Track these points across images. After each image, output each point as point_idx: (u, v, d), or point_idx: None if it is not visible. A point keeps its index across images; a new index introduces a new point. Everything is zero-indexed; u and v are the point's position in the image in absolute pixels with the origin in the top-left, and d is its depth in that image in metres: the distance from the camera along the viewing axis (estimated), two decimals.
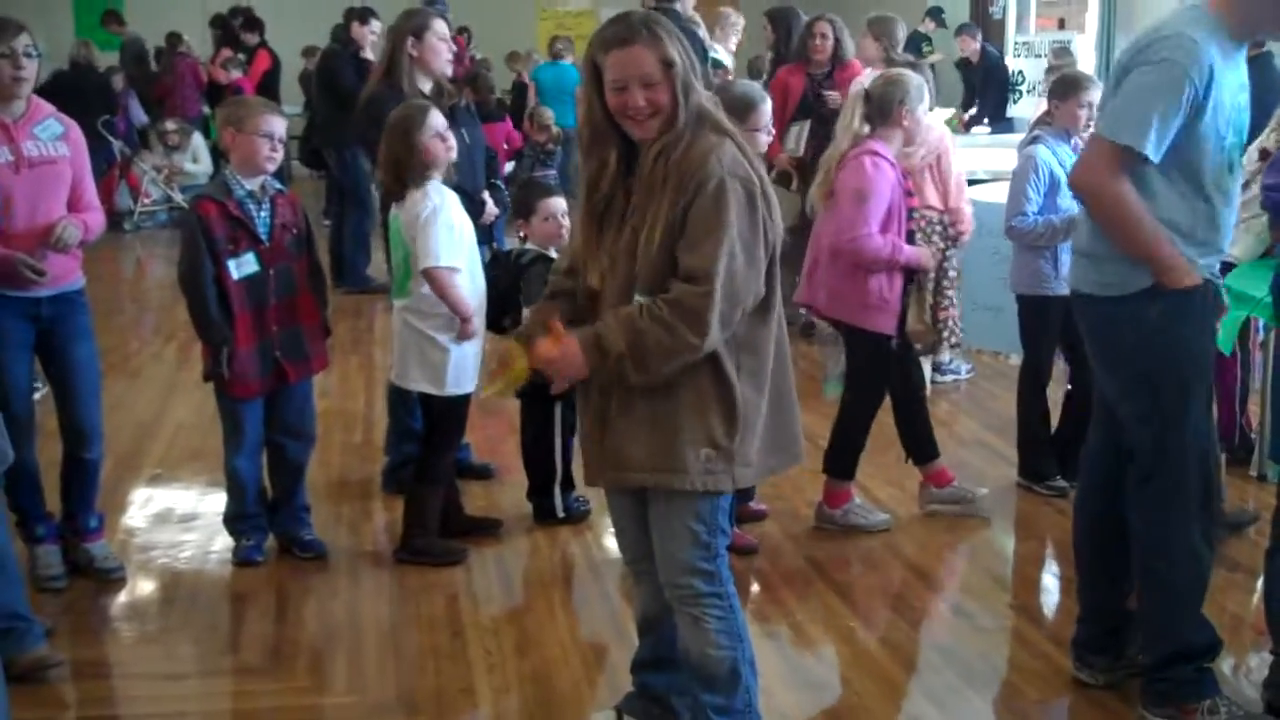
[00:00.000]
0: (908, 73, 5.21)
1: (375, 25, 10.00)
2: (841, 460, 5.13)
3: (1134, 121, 3.29)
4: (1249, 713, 3.56)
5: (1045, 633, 4.27)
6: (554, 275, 3.32)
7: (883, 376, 5.10)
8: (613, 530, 3.65)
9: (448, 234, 4.56)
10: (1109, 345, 3.57)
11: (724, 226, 2.90)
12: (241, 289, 4.52)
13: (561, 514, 5.16)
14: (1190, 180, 3.37)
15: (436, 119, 4.63)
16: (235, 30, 13.70)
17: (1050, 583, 4.84)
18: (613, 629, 4.31)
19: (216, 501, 5.10)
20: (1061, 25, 12.01)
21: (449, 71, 5.45)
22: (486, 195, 5.58)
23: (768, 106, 4.74)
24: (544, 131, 11.74)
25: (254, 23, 13.49)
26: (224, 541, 4.92)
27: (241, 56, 13.82)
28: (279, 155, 4.60)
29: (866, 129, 4.98)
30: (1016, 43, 11.76)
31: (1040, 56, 11.56)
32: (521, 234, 5.11)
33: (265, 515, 4.87)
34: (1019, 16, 13.40)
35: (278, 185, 4.67)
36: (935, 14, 13.42)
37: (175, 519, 5.34)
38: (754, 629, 3.78)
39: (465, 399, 4.78)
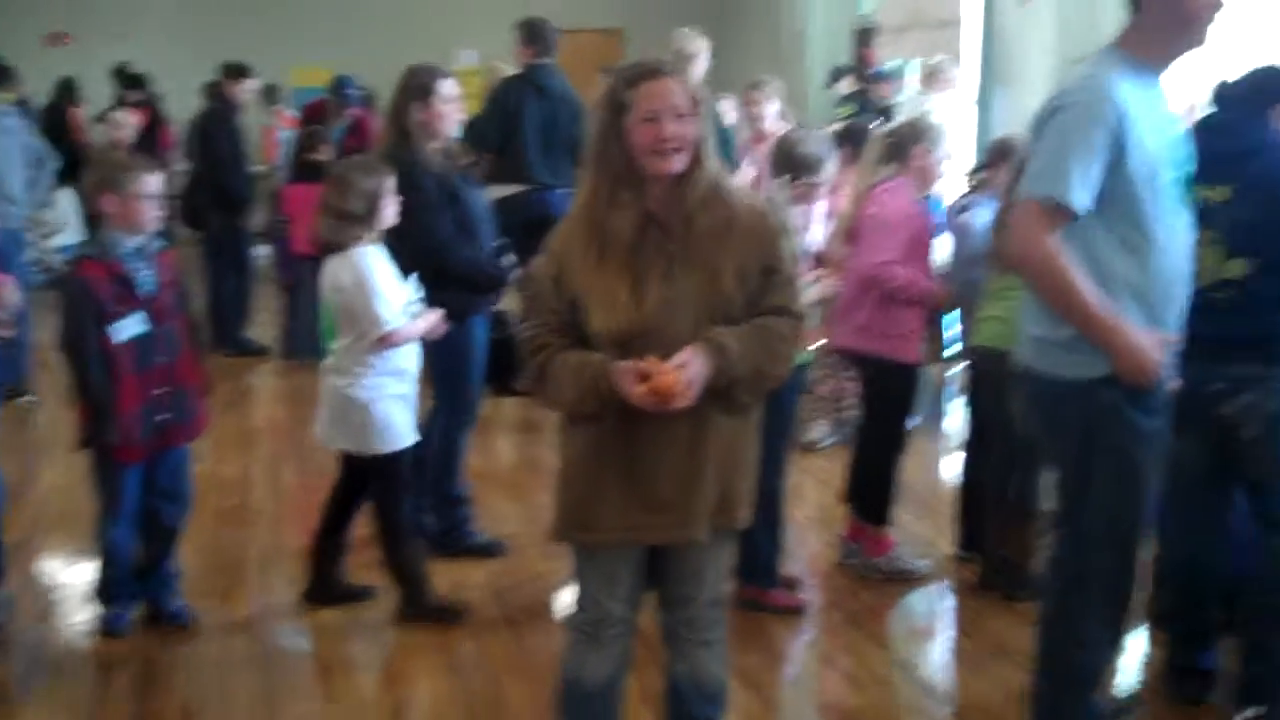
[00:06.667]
0: (929, 118, 5.41)
1: (250, 84, 9.92)
2: (878, 504, 5.17)
3: (1051, 172, 3.16)
4: None
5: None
6: (542, 334, 3.08)
7: (908, 409, 5.17)
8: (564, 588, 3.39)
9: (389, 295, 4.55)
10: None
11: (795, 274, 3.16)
12: (127, 350, 4.41)
13: None
14: (1133, 225, 3.20)
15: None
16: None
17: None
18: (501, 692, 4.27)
19: (85, 568, 4.96)
20: (928, 85, 12.09)
21: (455, 133, 5.28)
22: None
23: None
24: None
25: (135, 79, 13.27)
26: (91, 610, 4.78)
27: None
28: (161, 213, 4.51)
29: (886, 170, 5.13)
30: (896, 103, 11.89)
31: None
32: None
33: (136, 583, 4.74)
34: (896, 79, 13.51)
35: (159, 242, 4.59)
36: (843, 73, 13.24)
37: (41, 586, 5.19)
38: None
39: (398, 456, 4.69)
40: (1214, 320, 3.61)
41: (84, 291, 4.38)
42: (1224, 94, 4.01)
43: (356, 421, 4.61)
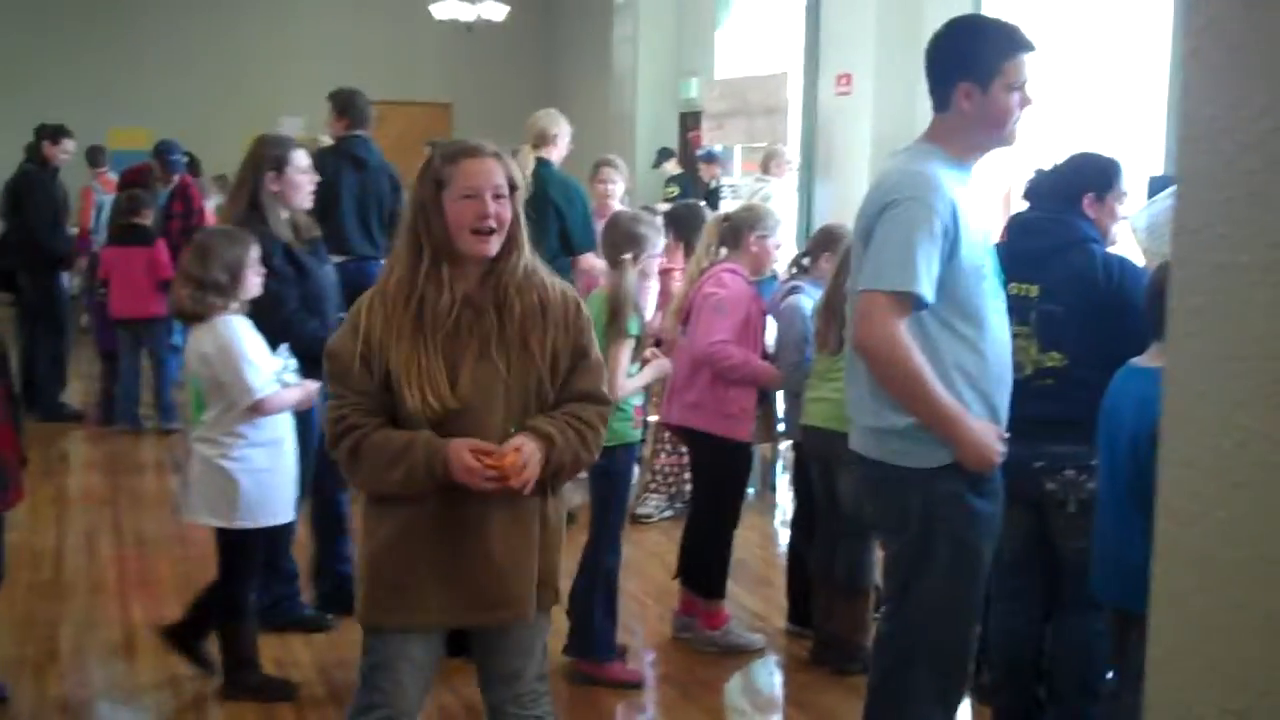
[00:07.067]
0: (765, 204, 5.47)
1: (68, 145, 9.76)
2: (711, 578, 5.20)
3: (897, 264, 3.17)
4: None
5: None
6: (352, 415, 2.98)
7: (740, 486, 5.25)
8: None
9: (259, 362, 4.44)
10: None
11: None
12: None
13: None
14: (966, 315, 3.27)
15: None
16: None
17: None
18: None
19: None
20: (765, 170, 12.42)
21: (308, 205, 5.18)
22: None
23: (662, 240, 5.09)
24: None
25: None
26: None
27: None
28: None
29: (722, 252, 5.23)
30: (722, 185, 12.14)
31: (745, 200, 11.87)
32: None
33: None
34: (724, 160, 13.82)
35: None
36: (668, 155, 13.57)
37: None
38: None
39: (259, 533, 4.52)
40: (1038, 402, 3.77)
41: None
42: (1036, 189, 4.17)
43: (225, 494, 4.44)
